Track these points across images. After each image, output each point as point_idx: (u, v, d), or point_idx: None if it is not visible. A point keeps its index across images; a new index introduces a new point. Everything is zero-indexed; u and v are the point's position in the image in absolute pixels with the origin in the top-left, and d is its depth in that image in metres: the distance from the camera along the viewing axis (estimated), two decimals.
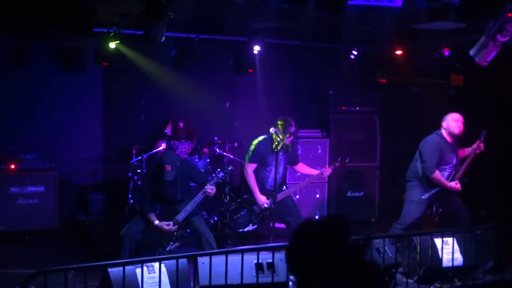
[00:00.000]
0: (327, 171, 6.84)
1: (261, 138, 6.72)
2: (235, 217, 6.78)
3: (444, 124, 6.46)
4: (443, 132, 6.46)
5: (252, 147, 6.70)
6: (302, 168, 7.06)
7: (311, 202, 8.68)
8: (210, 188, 6.06)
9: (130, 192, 7.93)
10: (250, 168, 6.65)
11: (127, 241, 5.91)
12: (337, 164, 6.91)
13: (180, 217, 6.04)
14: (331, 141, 8.82)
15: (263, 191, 6.65)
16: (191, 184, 6.47)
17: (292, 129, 6.52)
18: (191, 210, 6.07)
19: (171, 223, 6.02)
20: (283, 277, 4.98)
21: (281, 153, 6.45)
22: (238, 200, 6.90)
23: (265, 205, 6.56)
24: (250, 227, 6.68)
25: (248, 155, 6.71)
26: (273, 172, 6.53)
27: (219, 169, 6.35)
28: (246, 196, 6.73)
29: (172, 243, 6.06)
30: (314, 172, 7.01)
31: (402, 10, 5.88)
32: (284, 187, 6.78)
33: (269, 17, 6.93)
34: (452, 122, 6.41)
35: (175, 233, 6.09)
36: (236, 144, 8.65)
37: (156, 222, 6.01)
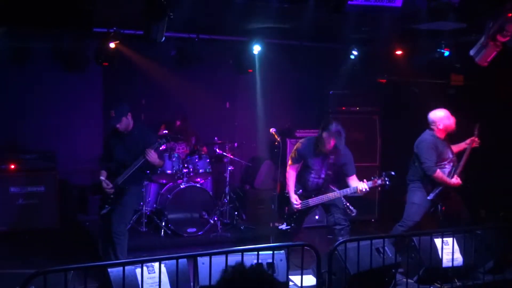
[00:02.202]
0: (362, 186, 6.06)
1: (308, 137, 6.41)
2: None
3: (438, 124, 6.39)
4: (435, 130, 6.44)
5: (297, 145, 6.42)
6: (351, 181, 6.27)
7: None
8: (149, 151, 5.89)
9: None
10: (290, 167, 6.39)
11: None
12: (379, 181, 6.04)
13: (119, 179, 6.00)
14: None
15: (304, 193, 6.37)
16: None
17: (326, 135, 6.02)
18: (130, 174, 5.96)
19: (111, 185, 6.00)
20: (283, 277, 4.97)
21: (319, 158, 6.24)
22: (278, 194, 6.75)
23: (297, 206, 6.29)
24: (284, 226, 6.37)
25: (292, 153, 6.43)
26: (312, 175, 6.32)
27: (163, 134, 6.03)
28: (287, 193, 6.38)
29: (107, 206, 6.03)
30: (352, 185, 6.17)
31: (402, 10, 5.86)
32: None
33: (269, 17, 6.93)
34: (447, 120, 6.38)
35: (111, 195, 6.02)
36: (236, 144, 8.65)
37: (102, 177, 6.03)
